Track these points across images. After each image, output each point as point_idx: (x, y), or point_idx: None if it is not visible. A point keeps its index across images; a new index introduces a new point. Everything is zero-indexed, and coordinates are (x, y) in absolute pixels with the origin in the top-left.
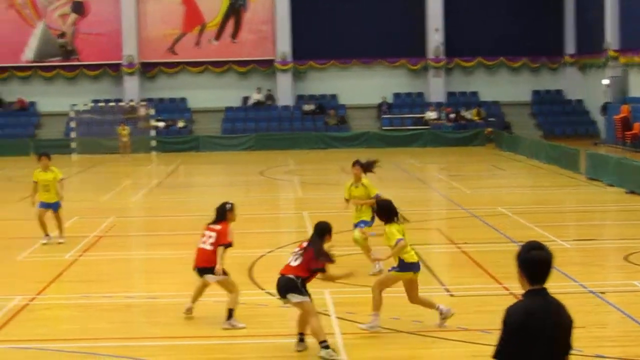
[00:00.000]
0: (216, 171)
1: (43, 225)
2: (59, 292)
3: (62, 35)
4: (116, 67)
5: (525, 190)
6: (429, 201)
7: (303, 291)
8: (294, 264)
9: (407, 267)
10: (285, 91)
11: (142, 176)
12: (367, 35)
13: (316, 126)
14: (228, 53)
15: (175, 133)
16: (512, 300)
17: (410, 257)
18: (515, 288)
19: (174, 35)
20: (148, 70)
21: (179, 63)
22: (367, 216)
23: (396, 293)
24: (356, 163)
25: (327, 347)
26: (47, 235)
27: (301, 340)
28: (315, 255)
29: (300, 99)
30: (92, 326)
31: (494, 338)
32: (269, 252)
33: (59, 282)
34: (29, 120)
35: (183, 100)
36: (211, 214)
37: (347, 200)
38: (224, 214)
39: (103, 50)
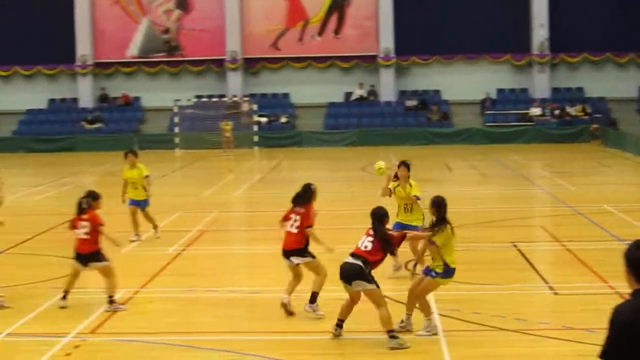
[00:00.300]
0: (318, 166)
1: (134, 223)
2: (162, 286)
3: (167, 31)
4: (220, 63)
5: (632, 187)
6: (532, 198)
7: (370, 279)
8: (364, 250)
9: (451, 273)
10: (387, 87)
11: (244, 171)
12: (471, 31)
13: (419, 122)
14: (331, 49)
15: (278, 128)
16: (617, 300)
17: (453, 261)
18: (621, 287)
19: (277, 31)
20: (251, 66)
21: (282, 59)
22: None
23: (497, 290)
24: (402, 164)
25: (395, 337)
26: (137, 234)
27: (339, 326)
28: (383, 241)
29: (403, 94)
30: (194, 320)
31: (599, 337)
32: None
33: (163, 276)
34: (133, 116)
35: (286, 95)
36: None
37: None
38: (309, 196)
39: (207, 46)
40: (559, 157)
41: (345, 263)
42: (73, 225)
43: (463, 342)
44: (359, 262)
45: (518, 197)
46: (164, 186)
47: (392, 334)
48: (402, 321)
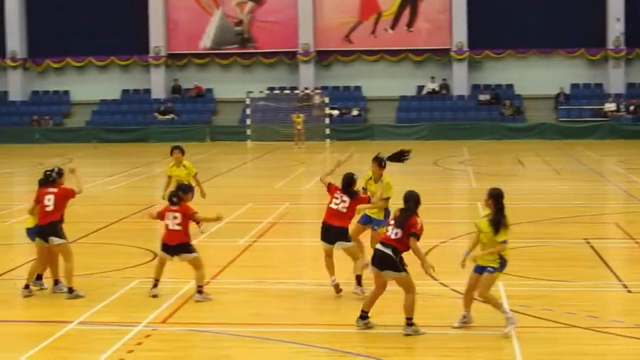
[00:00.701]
0: None
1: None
2: (232, 277)
3: (239, 23)
4: (292, 55)
5: None
6: (606, 195)
7: (400, 267)
8: (394, 237)
9: (506, 265)
10: (460, 81)
11: (315, 163)
12: (545, 24)
13: (491, 116)
14: (403, 42)
15: (350, 121)
16: None
17: (506, 253)
18: None
19: (350, 24)
20: (323, 59)
21: (354, 51)
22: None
23: (569, 287)
24: (375, 159)
25: (413, 324)
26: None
27: (363, 317)
28: (399, 223)
29: (476, 88)
30: (264, 311)
31: None
32: (442, 242)
33: (233, 267)
34: (205, 107)
35: (357, 88)
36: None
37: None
38: (353, 183)
39: (279, 38)
40: (634, 153)
41: (377, 250)
42: (161, 216)
43: (534, 338)
44: (389, 251)
45: (591, 193)
46: (235, 178)
47: (410, 321)
48: (463, 317)
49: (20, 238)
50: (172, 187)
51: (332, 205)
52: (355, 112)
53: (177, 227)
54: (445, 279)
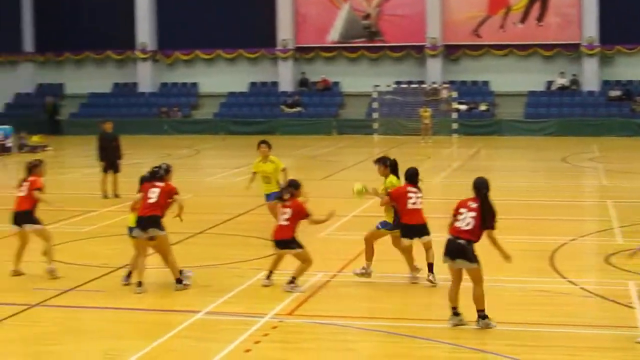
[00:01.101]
0: (517, 156)
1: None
2: None
3: (367, 16)
4: (419, 49)
5: None
6: None
7: (473, 258)
8: (466, 227)
9: None
10: (590, 76)
11: (442, 158)
12: None
13: (622, 113)
14: (533, 36)
15: (477, 116)
16: None
17: None
18: None
19: (479, 18)
20: (451, 53)
21: (482, 46)
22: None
23: None
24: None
25: (485, 317)
26: None
27: (456, 314)
28: (488, 216)
29: (606, 84)
30: (390, 305)
31: None
32: (572, 240)
33: (360, 261)
34: (332, 100)
35: (485, 83)
36: (511, 198)
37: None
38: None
39: (407, 32)
40: None
41: (450, 241)
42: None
43: None
44: (463, 242)
45: None
46: (362, 171)
47: (482, 313)
48: None
49: None
50: (262, 183)
51: (414, 206)
52: (483, 107)
53: (285, 223)
54: (573, 277)
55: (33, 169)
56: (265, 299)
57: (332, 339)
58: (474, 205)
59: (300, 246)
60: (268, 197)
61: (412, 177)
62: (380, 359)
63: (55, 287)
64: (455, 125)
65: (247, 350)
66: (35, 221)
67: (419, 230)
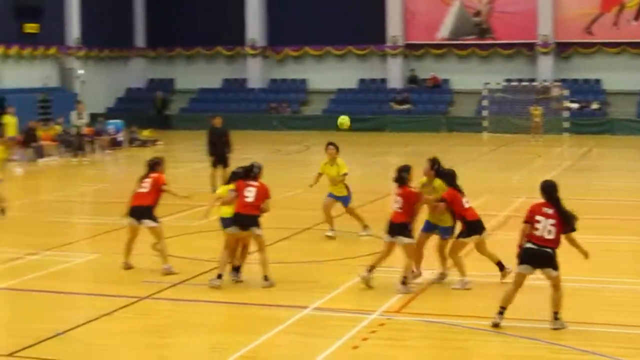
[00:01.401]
0: (629, 156)
1: (327, 217)
2: (468, 269)
3: (478, 13)
4: (530, 47)
5: None
6: None
7: (557, 265)
8: (549, 237)
9: None
10: None
11: (553, 157)
12: None
13: None
14: None
15: (589, 115)
16: None
17: None
18: None
19: (591, 15)
20: (563, 50)
21: (595, 43)
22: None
23: None
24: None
25: (559, 318)
26: (332, 229)
27: (501, 313)
28: (567, 219)
29: None
30: (497, 304)
31: None
32: None
33: (469, 259)
34: (442, 98)
35: (597, 81)
36: (622, 199)
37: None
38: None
39: (518, 29)
40: None
41: (535, 249)
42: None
43: None
44: (550, 251)
45: None
46: (471, 169)
47: (557, 315)
48: None
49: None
50: (329, 184)
51: (468, 204)
52: (595, 106)
53: (399, 210)
54: None
55: (155, 166)
56: (373, 296)
57: (440, 337)
58: (550, 211)
59: (412, 236)
60: (332, 195)
61: (453, 179)
62: (489, 359)
63: (164, 280)
64: (566, 124)
65: (355, 347)
66: (154, 218)
67: (481, 225)
